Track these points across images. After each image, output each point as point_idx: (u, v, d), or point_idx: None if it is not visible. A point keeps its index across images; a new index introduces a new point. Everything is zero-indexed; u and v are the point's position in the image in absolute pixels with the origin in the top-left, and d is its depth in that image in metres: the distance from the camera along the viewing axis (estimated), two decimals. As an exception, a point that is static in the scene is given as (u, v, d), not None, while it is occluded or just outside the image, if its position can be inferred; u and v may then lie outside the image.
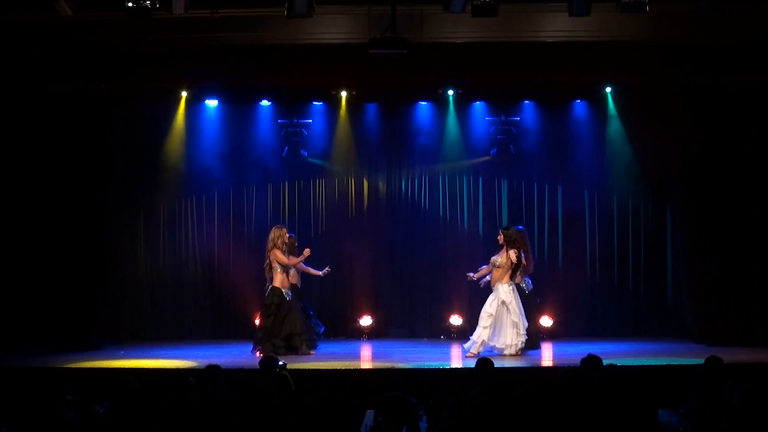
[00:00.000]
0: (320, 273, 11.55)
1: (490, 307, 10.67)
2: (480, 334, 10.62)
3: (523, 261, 10.84)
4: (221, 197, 13.15)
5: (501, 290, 10.68)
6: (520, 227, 11.45)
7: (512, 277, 10.83)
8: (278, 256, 10.91)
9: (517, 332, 10.58)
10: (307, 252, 11.15)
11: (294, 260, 11.12)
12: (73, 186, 11.85)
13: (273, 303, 10.89)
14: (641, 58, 11.23)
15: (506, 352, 10.51)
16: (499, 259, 10.81)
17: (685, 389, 7.60)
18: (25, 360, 10.41)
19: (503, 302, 10.61)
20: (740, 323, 11.52)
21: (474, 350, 10.59)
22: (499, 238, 10.96)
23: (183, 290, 13.07)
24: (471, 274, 11.17)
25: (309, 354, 10.89)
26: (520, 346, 10.59)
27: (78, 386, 8.31)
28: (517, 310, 10.62)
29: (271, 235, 11.03)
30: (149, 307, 12.97)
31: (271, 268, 10.99)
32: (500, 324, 10.60)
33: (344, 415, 6.13)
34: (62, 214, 11.80)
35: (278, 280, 10.97)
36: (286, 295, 10.96)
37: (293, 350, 10.85)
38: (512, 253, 10.66)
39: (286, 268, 11.02)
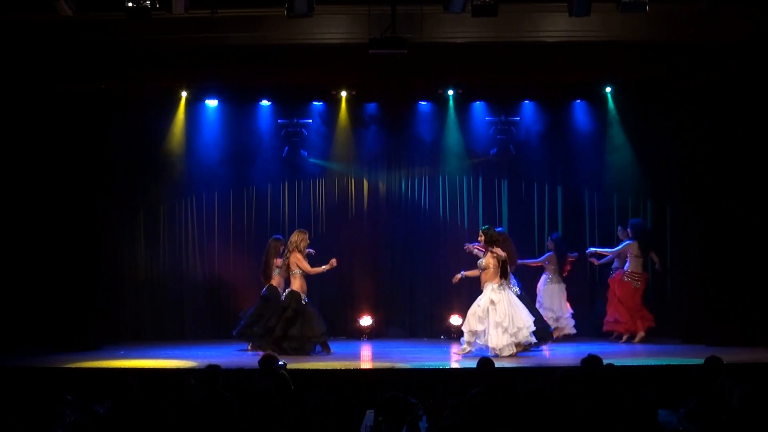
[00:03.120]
0: (325, 267, 11.21)
1: (479, 308, 10.53)
2: (467, 336, 10.55)
3: (500, 255, 10.60)
4: (221, 197, 13.16)
5: (489, 289, 10.57)
6: (500, 229, 11.50)
7: (503, 276, 10.70)
8: (299, 260, 10.93)
9: (504, 331, 10.39)
10: (333, 262, 11.08)
11: (315, 269, 11.07)
12: (73, 186, 11.86)
13: (290, 307, 10.89)
14: (641, 58, 11.21)
15: (502, 354, 10.32)
16: (483, 261, 10.71)
17: (685, 389, 7.59)
18: (25, 360, 10.41)
19: (492, 301, 10.50)
20: (740, 323, 11.49)
21: (461, 351, 10.56)
22: (480, 238, 10.88)
23: (183, 290, 13.07)
24: (461, 274, 11.02)
25: (329, 353, 10.95)
26: (513, 349, 10.40)
27: (78, 386, 8.29)
28: (504, 310, 10.44)
29: (293, 238, 11.05)
30: (149, 307, 12.96)
31: (288, 269, 10.99)
32: (487, 324, 10.48)
33: (344, 415, 6.14)
34: (62, 214, 11.80)
35: (297, 284, 10.97)
36: (303, 300, 10.98)
37: (303, 352, 10.81)
38: (497, 250, 10.56)
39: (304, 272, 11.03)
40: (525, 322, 10.51)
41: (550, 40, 10.91)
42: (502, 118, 12.94)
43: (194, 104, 12.71)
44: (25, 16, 10.34)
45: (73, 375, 9.47)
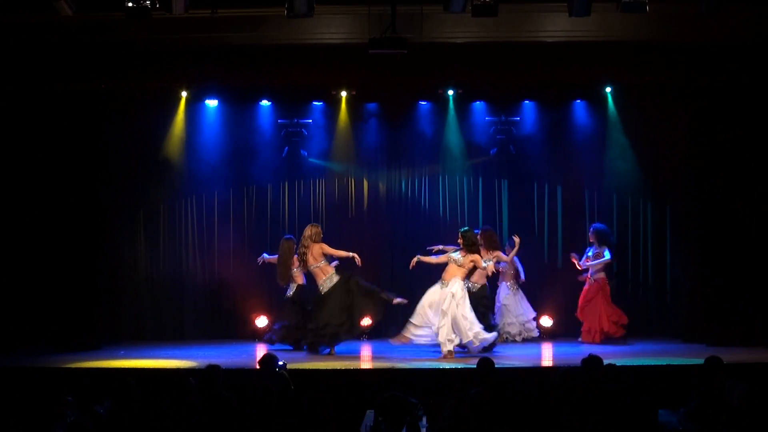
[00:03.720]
0: (351, 254, 11.29)
1: (441, 303, 10.56)
2: (444, 334, 10.53)
3: (479, 266, 10.75)
4: (221, 197, 13.16)
5: (456, 285, 10.60)
6: (480, 230, 11.59)
7: (469, 277, 10.95)
8: (325, 247, 11.07)
9: (470, 326, 10.50)
10: (358, 259, 11.20)
11: (341, 252, 11.19)
12: (73, 186, 11.85)
13: (351, 291, 11.06)
14: (641, 58, 11.22)
15: (443, 348, 10.44)
16: (461, 258, 10.73)
17: (685, 389, 7.60)
18: (25, 360, 10.40)
19: (453, 295, 10.53)
20: (740, 323, 11.51)
21: (446, 351, 10.53)
22: (459, 241, 10.88)
23: (183, 290, 13.07)
24: (417, 258, 11.02)
25: (333, 355, 11.03)
26: (450, 346, 10.48)
27: (78, 386, 8.29)
28: (467, 306, 10.57)
29: (308, 232, 11.18)
30: (149, 307, 12.96)
31: (308, 263, 11.07)
32: (454, 319, 10.51)
33: (344, 415, 6.14)
34: (62, 215, 11.79)
35: (330, 271, 11.08)
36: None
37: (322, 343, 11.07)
38: (476, 258, 10.67)
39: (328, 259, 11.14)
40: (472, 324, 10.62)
41: (550, 40, 10.92)
42: (502, 118, 12.94)
43: (194, 104, 12.70)
44: (25, 16, 10.34)
45: (73, 375, 9.47)
